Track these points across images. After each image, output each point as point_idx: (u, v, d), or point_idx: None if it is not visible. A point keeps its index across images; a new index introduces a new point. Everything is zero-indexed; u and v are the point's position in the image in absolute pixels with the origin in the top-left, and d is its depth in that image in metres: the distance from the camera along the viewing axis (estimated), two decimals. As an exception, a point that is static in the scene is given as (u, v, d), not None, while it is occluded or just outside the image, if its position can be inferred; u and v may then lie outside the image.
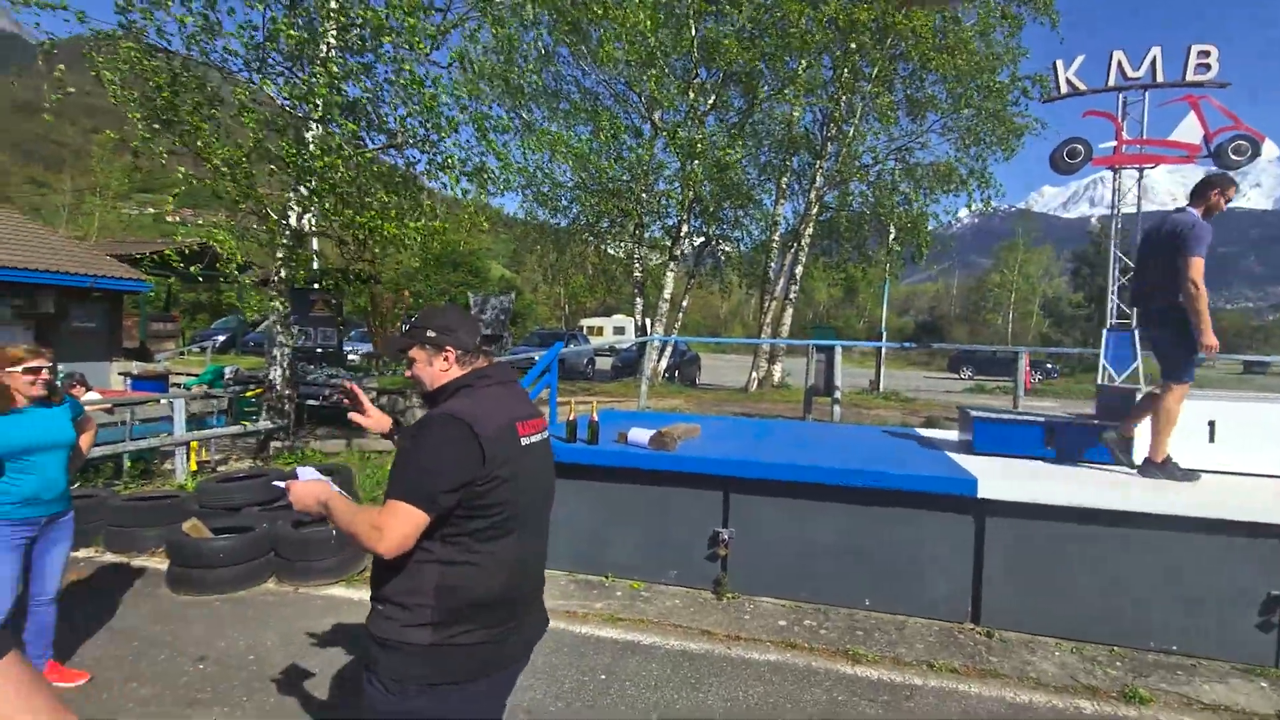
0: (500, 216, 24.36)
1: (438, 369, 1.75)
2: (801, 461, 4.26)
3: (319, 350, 10.23)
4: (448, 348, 1.73)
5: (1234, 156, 7.85)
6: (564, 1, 13.31)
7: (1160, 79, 8.12)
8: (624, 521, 4.59)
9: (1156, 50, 8.13)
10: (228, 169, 6.99)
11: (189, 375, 12.40)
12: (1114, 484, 3.93)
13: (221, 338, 24.68)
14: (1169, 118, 8.64)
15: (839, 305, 58.73)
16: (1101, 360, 8.34)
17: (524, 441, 1.69)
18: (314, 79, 7.27)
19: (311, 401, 9.42)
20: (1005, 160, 17.29)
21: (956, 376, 30.03)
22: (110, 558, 4.99)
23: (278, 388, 8.37)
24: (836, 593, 4.18)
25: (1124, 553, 3.72)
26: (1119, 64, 8.24)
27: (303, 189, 7.71)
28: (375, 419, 2.06)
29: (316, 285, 10.32)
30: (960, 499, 3.89)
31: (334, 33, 7.74)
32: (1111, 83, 8.32)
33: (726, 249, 21.91)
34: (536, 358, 8.52)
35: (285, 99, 7.56)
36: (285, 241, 8.05)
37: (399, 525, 1.50)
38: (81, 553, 4.90)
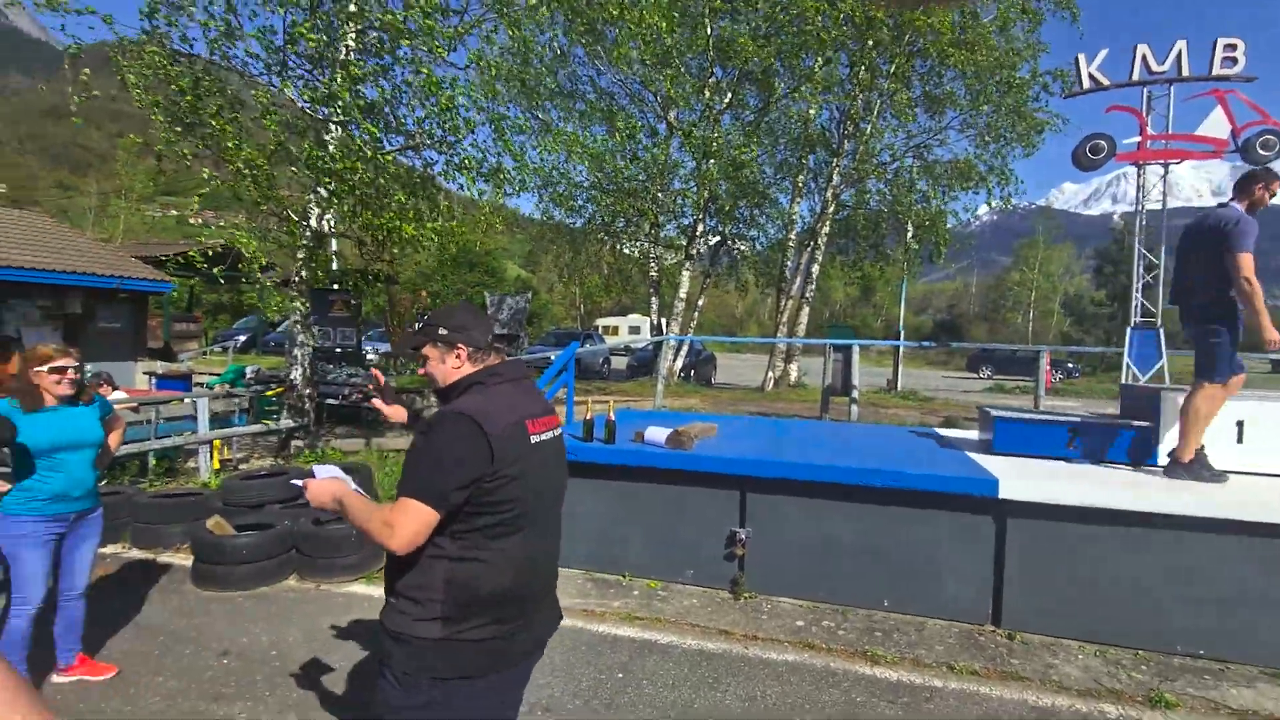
0: (516, 217, 24.44)
1: (450, 366, 1.76)
2: (819, 461, 4.24)
3: (338, 350, 10.35)
4: (459, 345, 1.74)
5: (1262, 151, 7.69)
6: (580, 2, 13.35)
7: (1186, 73, 7.97)
8: (641, 521, 4.59)
9: (1182, 44, 7.99)
10: (249, 171, 7.09)
11: (211, 375, 12.58)
12: (1137, 485, 3.87)
13: (243, 338, 25.09)
14: (1194, 113, 8.49)
15: (856, 304, 58.34)
16: (1125, 359, 8.22)
17: (534, 439, 1.69)
18: (334, 82, 7.35)
19: (331, 401, 9.53)
20: (1026, 156, 17.09)
21: (975, 376, 29.60)
22: (136, 554, 5.08)
23: (298, 387, 8.47)
24: (855, 593, 4.15)
25: (1149, 554, 3.65)
26: (1144, 58, 8.10)
27: (323, 190, 7.81)
28: (394, 408, 2.18)
29: (336, 286, 10.44)
30: (981, 499, 3.85)
31: (353, 35, 7.83)
32: (1136, 77, 8.18)
33: (742, 248, 21.83)
34: (552, 357, 8.56)
35: (306, 102, 7.66)
36: (305, 243, 8.15)
37: (410, 522, 1.52)
38: (108, 549, 5.00)
